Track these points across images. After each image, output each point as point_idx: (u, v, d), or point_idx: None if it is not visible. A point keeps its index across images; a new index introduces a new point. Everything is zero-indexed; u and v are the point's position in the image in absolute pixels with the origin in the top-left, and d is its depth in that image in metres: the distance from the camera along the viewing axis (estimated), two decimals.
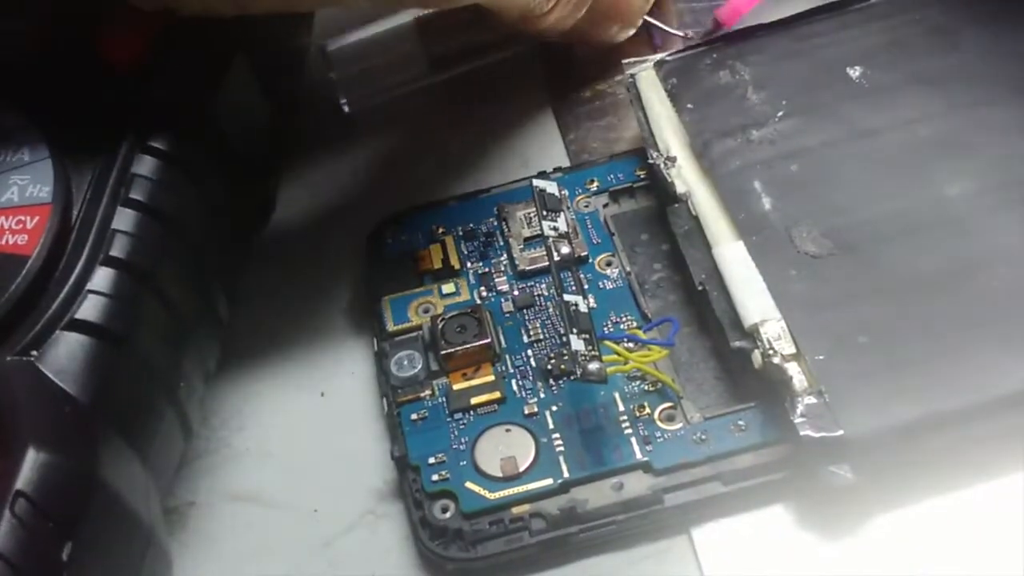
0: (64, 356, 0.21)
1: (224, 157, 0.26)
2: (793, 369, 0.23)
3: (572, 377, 0.24)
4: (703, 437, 0.23)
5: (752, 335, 0.23)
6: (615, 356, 0.24)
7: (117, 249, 0.22)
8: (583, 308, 0.23)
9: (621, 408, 0.24)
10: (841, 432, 0.22)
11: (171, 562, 0.23)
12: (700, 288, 0.25)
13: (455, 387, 0.25)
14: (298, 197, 0.31)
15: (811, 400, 0.22)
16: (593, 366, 0.22)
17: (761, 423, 0.23)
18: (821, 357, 0.23)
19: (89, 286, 0.22)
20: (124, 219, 0.23)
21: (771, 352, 0.23)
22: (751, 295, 0.24)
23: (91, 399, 0.21)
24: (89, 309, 0.21)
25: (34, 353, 0.21)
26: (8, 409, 0.20)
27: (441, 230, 0.28)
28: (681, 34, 0.31)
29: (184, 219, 0.24)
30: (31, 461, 0.19)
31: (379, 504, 0.25)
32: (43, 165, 0.23)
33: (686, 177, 0.27)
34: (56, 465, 0.20)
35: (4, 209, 0.23)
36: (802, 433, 0.22)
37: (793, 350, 0.23)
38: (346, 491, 0.25)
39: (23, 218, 0.22)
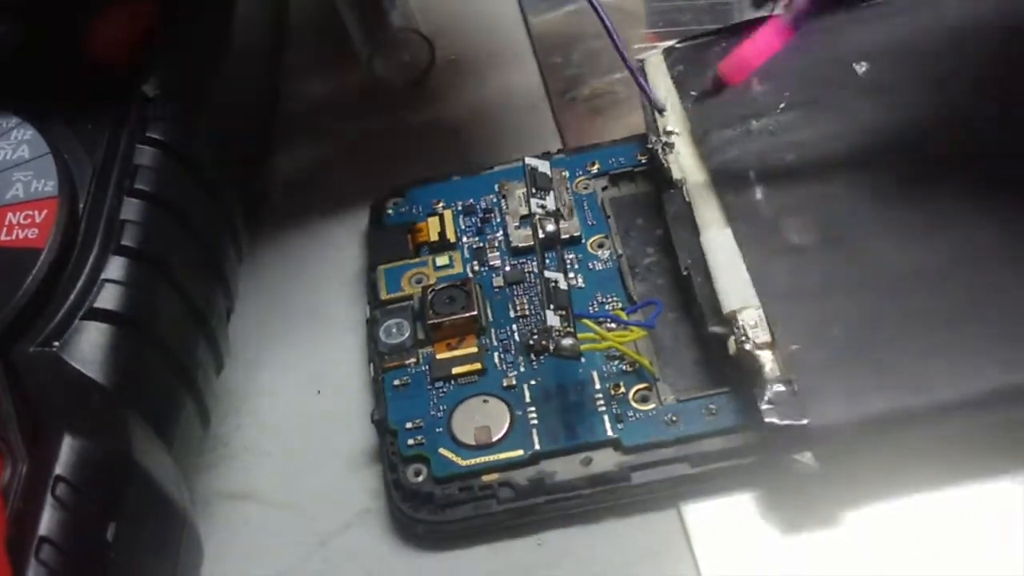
0: (86, 345, 0.21)
1: (221, 147, 0.26)
2: (766, 357, 0.23)
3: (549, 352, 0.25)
4: (674, 419, 0.24)
5: (730, 321, 0.24)
6: (592, 334, 0.24)
7: (128, 238, 0.23)
8: (562, 285, 0.24)
9: (597, 386, 0.24)
10: (806, 422, 0.22)
11: (203, 548, 0.23)
12: (685, 272, 0.25)
13: (438, 356, 0.26)
14: (297, 187, 0.32)
15: (780, 388, 0.22)
16: (566, 342, 0.23)
17: (733, 408, 0.23)
18: (795, 347, 0.23)
19: (104, 275, 0.22)
20: (131, 209, 0.23)
21: (744, 339, 0.23)
22: (732, 282, 0.24)
23: (116, 385, 0.21)
24: (106, 298, 0.22)
25: (56, 343, 0.21)
26: (37, 399, 0.20)
27: (441, 204, 0.29)
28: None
29: (189, 207, 0.24)
30: (67, 447, 0.20)
31: (375, 502, 0.25)
32: (44, 161, 0.24)
33: (683, 163, 0.27)
34: (91, 449, 0.20)
35: (11, 205, 0.23)
36: (767, 420, 0.22)
37: (768, 338, 0.23)
38: (342, 490, 0.25)
39: (31, 212, 0.23)
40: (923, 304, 0.23)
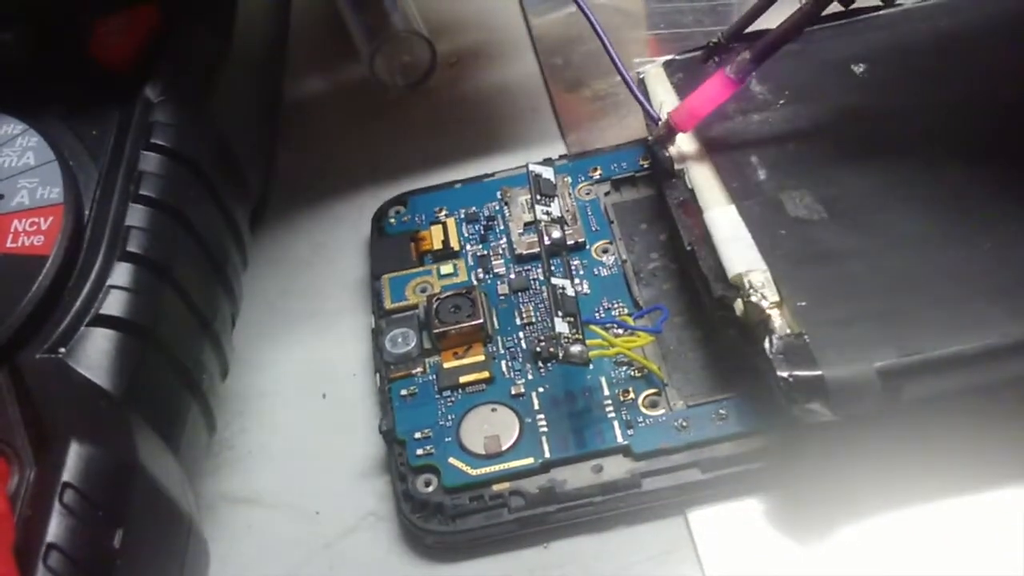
0: (92, 351, 0.21)
1: (225, 151, 0.26)
2: (775, 313, 0.22)
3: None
4: (684, 424, 0.24)
5: (736, 287, 0.23)
6: (600, 340, 0.24)
7: (133, 245, 0.23)
8: (570, 292, 0.24)
9: (606, 392, 0.24)
10: (820, 372, 0.21)
11: (209, 553, 0.23)
12: (689, 248, 0.25)
13: (446, 365, 0.25)
14: (299, 190, 0.32)
15: (790, 340, 0.22)
16: (575, 349, 0.23)
17: (742, 412, 0.24)
18: (802, 303, 0.22)
19: (110, 282, 0.22)
20: (137, 215, 0.23)
21: (752, 293, 0.23)
22: (738, 249, 0.24)
23: (122, 392, 0.21)
24: (112, 304, 0.22)
25: (62, 350, 0.21)
26: (43, 405, 0.20)
27: (443, 212, 0.29)
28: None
29: (193, 213, 0.24)
30: (74, 453, 0.20)
31: (380, 506, 0.25)
32: (50, 168, 0.24)
33: (685, 153, 0.27)
34: (98, 456, 0.20)
35: (17, 212, 0.23)
36: (779, 373, 0.21)
37: (776, 298, 0.23)
38: (347, 493, 0.25)
39: (37, 220, 0.23)
40: (936, 262, 0.23)
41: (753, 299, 0.23)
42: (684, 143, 0.27)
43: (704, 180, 0.26)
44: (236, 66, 0.28)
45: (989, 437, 0.23)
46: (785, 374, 0.21)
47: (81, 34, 0.25)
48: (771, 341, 0.22)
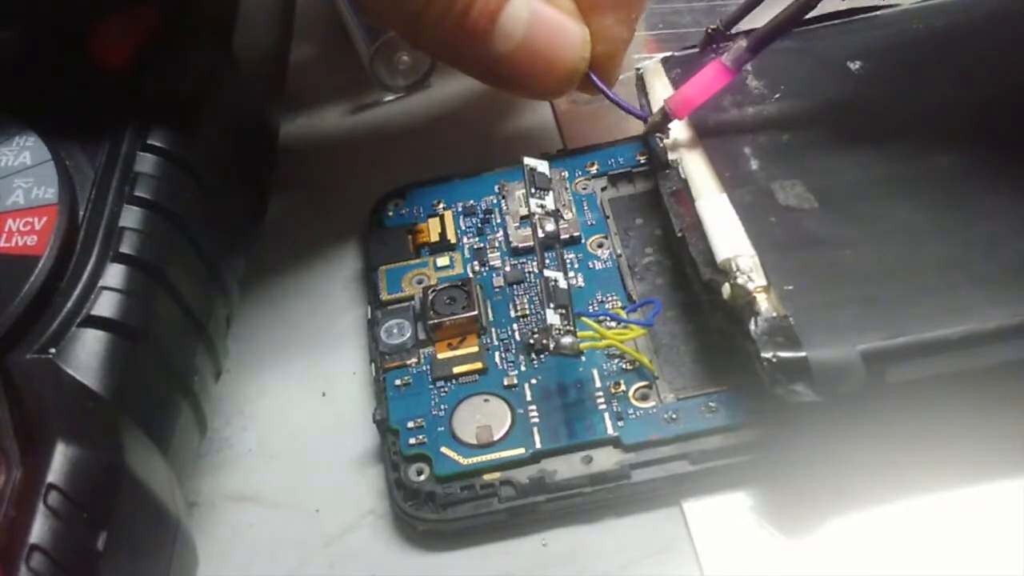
0: (82, 352, 0.21)
1: (222, 155, 0.26)
2: (761, 296, 0.22)
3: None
4: (674, 416, 0.24)
5: (725, 271, 0.23)
6: (592, 333, 0.24)
7: (127, 246, 0.23)
8: (562, 284, 0.24)
9: (598, 384, 0.25)
10: (804, 354, 0.21)
11: (197, 555, 0.23)
12: (679, 235, 0.25)
13: (439, 356, 0.26)
14: (298, 188, 0.32)
15: (775, 322, 0.22)
16: (566, 340, 0.23)
17: (732, 406, 0.24)
18: (789, 287, 0.23)
19: (102, 283, 0.22)
20: (131, 216, 0.23)
21: (739, 275, 0.23)
22: (727, 234, 0.24)
23: (112, 393, 0.21)
24: (104, 305, 0.22)
25: (52, 351, 0.21)
26: (32, 406, 0.20)
27: (441, 205, 0.29)
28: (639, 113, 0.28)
29: (189, 215, 0.24)
30: (60, 455, 0.20)
31: (380, 504, 0.25)
32: (46, 167, 0.24)
33: (679, 143, 0.27)
34: (85, 457, 0.20)
35: (11, 212, 0.23)
36: (763, 354, 0.21)
37: (764, 282, 0.23)
38: (347, 491, 0.25)
39: (31, 219, 0.23)
40: (923, 250, 0.23)
41: (740, 282, 0.23)
42: (679, 133, 0.27)
43: (697, 169, 0.26)
44: (237, 66, 0.28)
45: (983, 428, 0.23)
46: (769, 355, 0.21)
47: (80, 34, 0.25)
48: (756, 322, 0.22)
